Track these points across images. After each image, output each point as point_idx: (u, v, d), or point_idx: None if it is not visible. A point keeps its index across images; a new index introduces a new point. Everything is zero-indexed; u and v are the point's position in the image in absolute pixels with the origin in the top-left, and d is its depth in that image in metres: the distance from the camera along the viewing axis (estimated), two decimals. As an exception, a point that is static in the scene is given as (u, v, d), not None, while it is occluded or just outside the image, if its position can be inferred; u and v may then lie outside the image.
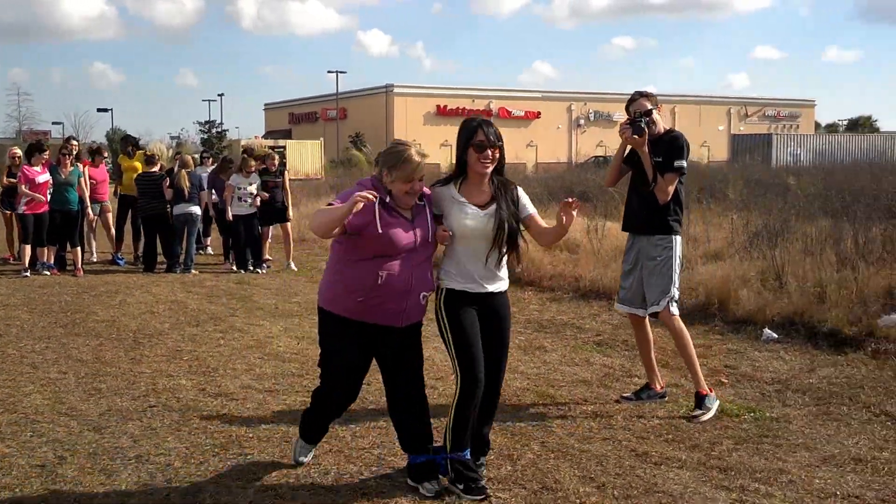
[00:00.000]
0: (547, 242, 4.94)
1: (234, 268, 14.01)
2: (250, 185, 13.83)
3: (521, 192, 4.63)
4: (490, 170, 4.45)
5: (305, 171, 51.37)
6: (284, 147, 52.02)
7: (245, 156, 14.56)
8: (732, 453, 5.14)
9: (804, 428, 5.63)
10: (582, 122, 78.22)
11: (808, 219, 13.33)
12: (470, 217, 4.43)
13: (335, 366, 4.55)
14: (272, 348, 8.07)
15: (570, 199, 4.30)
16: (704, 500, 4.43)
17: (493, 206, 4.44)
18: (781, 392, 6.47)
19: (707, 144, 67.22)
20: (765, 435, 5.48)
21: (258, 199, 13.81)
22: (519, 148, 56.91)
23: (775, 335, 8.10)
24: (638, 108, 5.98)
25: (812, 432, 5.54)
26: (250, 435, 5.50)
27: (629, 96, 6.15)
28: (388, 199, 4.32)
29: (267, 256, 14.44)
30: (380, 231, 4.21)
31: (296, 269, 14.02)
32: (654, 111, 5.99)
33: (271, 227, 14.49)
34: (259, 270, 13.80)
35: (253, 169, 14.04)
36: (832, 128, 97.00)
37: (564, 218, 4.30)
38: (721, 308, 8.97)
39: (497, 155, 4.44)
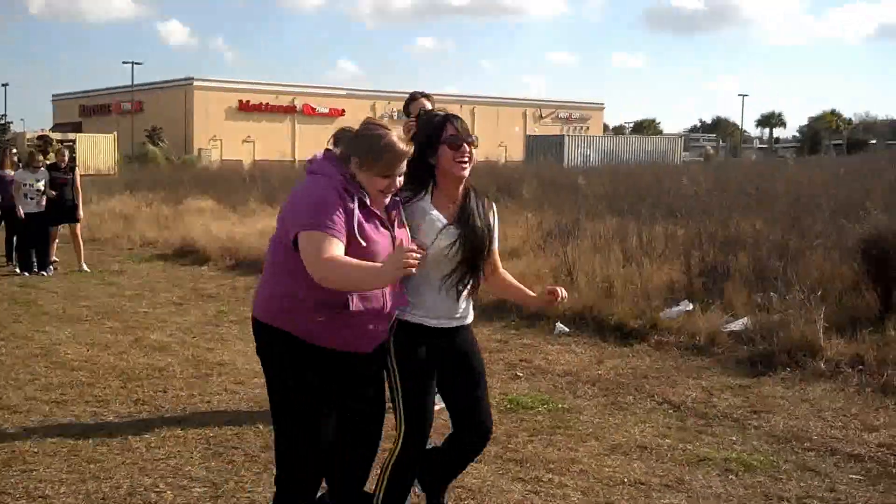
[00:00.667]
0: (498, 291, 4.20)
1: (18, 270, 13.15)
2: (38, 181, 12.99)
3: (495, 210, 3.82)
4: (468, 171, 3.57)
5: (97, 166, 48.86)
6: (74, 141, 49.23)
7: (32, 150, 13.67)
8: (527, 445, 5.34)
9: (594, 418, 5.91)
10: (386, 120, 78.57)
11: (597, 217, 14.00)
12: (444, 236, 3.52)
13: (301, 407, 3.35)
14: (59, 356, 7.62)
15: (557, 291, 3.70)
16: (501, 493, 4.58)
17: (467, 220, 3.59)
18: (573, 384, 6.77)
19: (504, 145, 69.29)
20: (558, 426, 5.72)
21: (45, 196, 13.00)
22: (322, 146, 56.18)
23: (567, 329, 8.47)
24: (418, 107, 6.04)
25: (601, 422, 5.83)
26: (35, 450, 5.17)
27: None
28: (366, 200, 3.34)
29: (54, 258, 13.62)
30: (363, 244, 3.24)
31: (88, 271, 13.32)
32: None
33: (59, 226, 13.68)
34: (45, 273, 13.01)
35: (41, 164, 13.22)
36: (619, 130, 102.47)
37: (549, 300, 3.75)
38: (517, 304, 9.27)
39: (473, 152, 3.62)
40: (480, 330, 8.46)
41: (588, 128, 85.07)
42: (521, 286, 4.01)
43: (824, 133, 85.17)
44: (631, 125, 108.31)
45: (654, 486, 4.69)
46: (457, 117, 3.63)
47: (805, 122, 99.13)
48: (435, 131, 3.58)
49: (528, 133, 68.55)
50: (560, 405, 6.18)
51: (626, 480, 4.77)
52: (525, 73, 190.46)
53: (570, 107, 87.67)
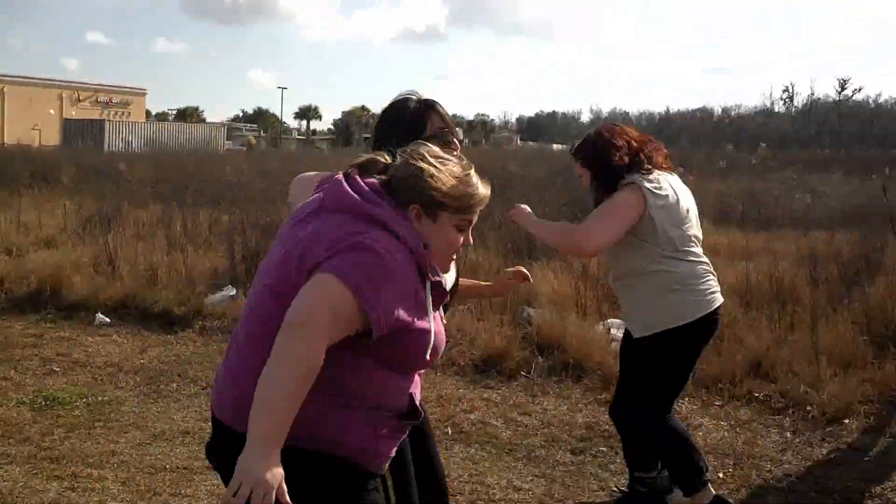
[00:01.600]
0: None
1: None
2: None
3: None
4: None
5: None
6: None
7: None
8: (64, 442, 5.08)
9: (135, 408, 5.79)
10: None
11: (140, 204, 13.61)
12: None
13: None
14: None
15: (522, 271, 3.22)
16: (35, 494, 4.33)
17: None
18: (114, 375, 6.55)
19: (38, 128, 64.16)
20: (97, 419, 5.51)
21: None
22: None
23: (108, 319, 8.16)
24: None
25: (143, 411, 5.72)
26: None
27: None
28: (441, 280, 2.24)
29: None
30: (432, 331, 2.18)
31: None
32: None
33: None
34: None
35: None
36: (162, 116, 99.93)
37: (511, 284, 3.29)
38: (54, 295, 8.72)
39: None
40: (13, 325, 7.86)
41: (130, 113, 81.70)
42: (473, 281, 3.41)
43: (355, 126, 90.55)
44: (174, 112, 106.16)
45: (196, 469, 4.72)
46: (437, 102, 2.81)
47: (339, 115, 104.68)
48: (415, 123, 2.74)
49: (64, 116, 64.14)
50: (100, 398, 5.96)
51: (168, 467, 4.76)
52: (62, 55, 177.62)
53: (110, 91, 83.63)
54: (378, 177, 2.24)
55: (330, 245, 2.06)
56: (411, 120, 2.71)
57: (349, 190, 2.16)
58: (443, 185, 2.17)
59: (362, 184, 2.19)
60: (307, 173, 2.82)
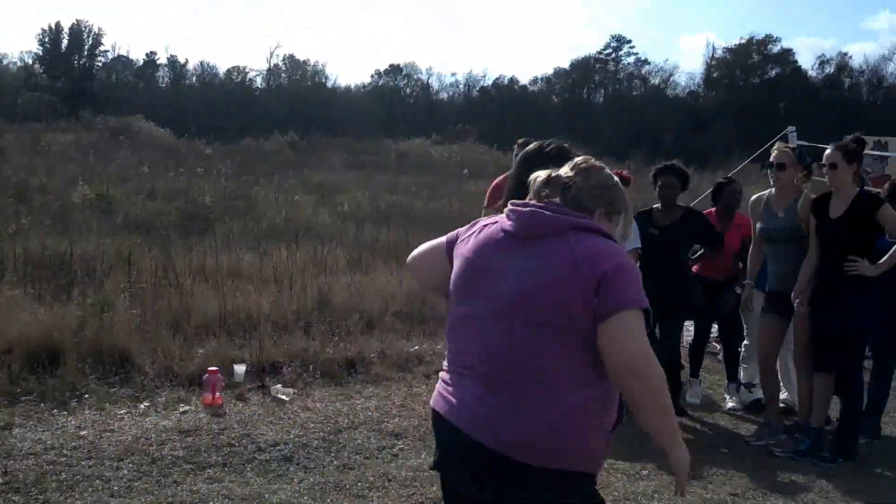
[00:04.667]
0: None
1: None
2: None
3: None
4: None
5: None
6: None
7: None
8: None
9: None
10: None
11: None
12: None
13: None
14: None
15: None
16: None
17: None
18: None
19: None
20: None
21: None
22: None
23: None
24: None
25: None
26: None
27: None
28: None
29: None
30: None
31: None
32: None
33: None
34: None
35: None
36: None
37: None
38: None
39: None
40: None
41: None
42: None
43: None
44: None
45: None
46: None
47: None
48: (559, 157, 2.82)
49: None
50: None
51: None
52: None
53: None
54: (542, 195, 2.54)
55: (601, 273, 2.30)
56: (556, 154, 2.82)
57: (553, 213, 2.44)
58: (620, 191, 2.58)
59: (553, 204, 2.47)
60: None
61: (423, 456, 5.32)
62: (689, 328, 7.65)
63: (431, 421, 2.57)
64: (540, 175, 2.54)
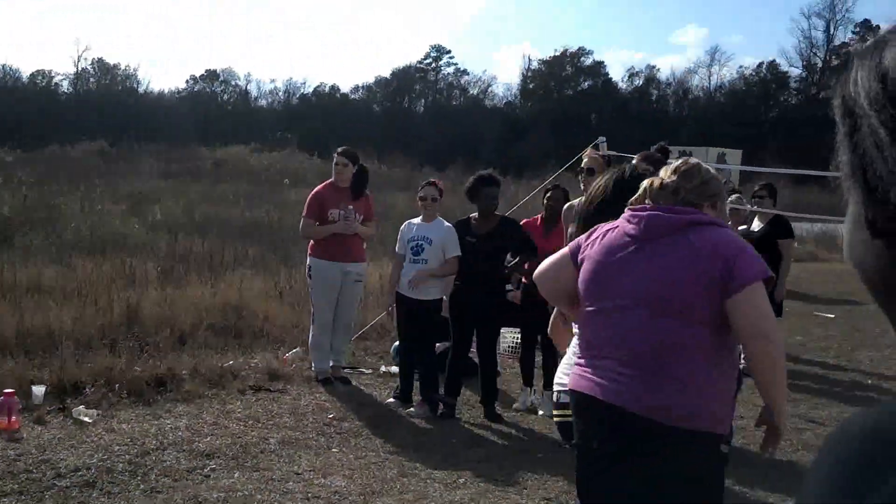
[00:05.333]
0: None
1: None
2: None
3: None
4: None
5: None
6: None
7: None
8: None
9: None
10: None
11: None
12: None
13: None
14: None
15: None
16: None
17: None
18: None
19: None
20: None
21: None
22: None
23: None
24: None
25: None
26: None
27: None
28: None
29: None
30: None
31: None
32: None
33: None
34: None
35: None
36: None
37: None
38: None
39: None
40: None
41: None
42: None
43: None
44: None
45: None
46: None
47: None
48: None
49: None
50: None
51: None
52: None
53: None
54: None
55: (723, 258, 2.70)
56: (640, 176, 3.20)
57: (671, 213, 2.81)
58: (717, 180, 3.01)
59: (667, 206, 2.84)
60: None
61: (235, 476, 5.13)
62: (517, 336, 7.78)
63: (573, 403, 2.94)
64: (653, 182, 2.92)
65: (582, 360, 2.91)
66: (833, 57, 59.63)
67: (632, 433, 2.71)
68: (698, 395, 2.71)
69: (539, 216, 7.36)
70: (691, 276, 2.70)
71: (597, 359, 2.83)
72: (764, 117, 61.16)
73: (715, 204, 2.96)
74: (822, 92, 58.76)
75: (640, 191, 2.94)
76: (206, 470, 5.26)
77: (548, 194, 7.35)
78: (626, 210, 2.91)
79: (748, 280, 2.66)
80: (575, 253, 2.99)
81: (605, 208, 3.13)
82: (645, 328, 2.73)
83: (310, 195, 7.57)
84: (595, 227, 2.98)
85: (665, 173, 2.93)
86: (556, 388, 3.49)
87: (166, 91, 71.94)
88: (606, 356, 2.80)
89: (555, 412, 3.60)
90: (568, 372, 3.15)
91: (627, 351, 2.75)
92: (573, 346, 3.31)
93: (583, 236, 3.01)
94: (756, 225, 8.63)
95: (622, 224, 2.88)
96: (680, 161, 3.02)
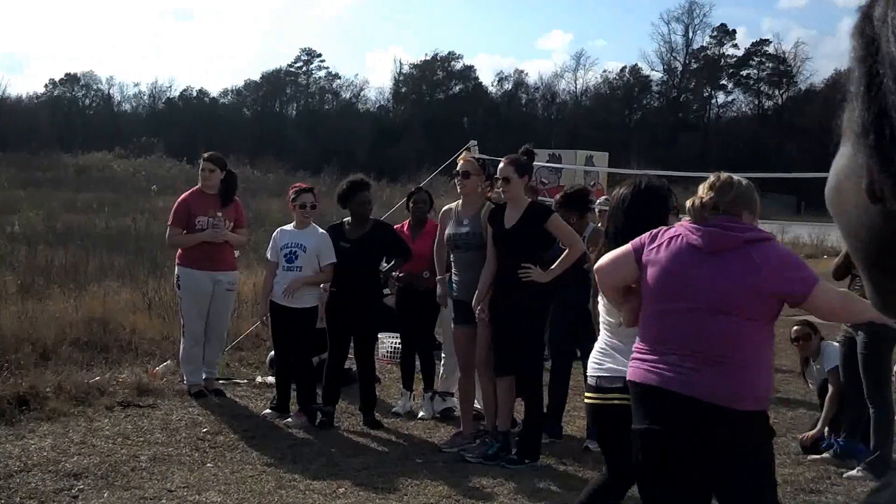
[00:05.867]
0: None
1: None
2: None
3: None
4: None
5: None
6: None
7: None
8: None
9: None
10: None
11: None
12: None
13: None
14: None
15: None
16: None
17: None
18: None
19: None
20: None
21: None
22: None
23: None
24: None
25: None
26: None
27: None
28: None
29: None
30: None
31: None
32: None
33: None
34: None
35: None
36: None
37: None
38: None
39: None
40: None
41: None
42: None
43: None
44: None
45: None
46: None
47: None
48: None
49: None
50: None
51: None
52: None
53: None
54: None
55: (783, 273, 3.20)
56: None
57: (729, 231, 3.19)
58: (751, 188, 3.39)
59: (726, 223, 3.22)
60: None
61: (104, 496, 4.93)
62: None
63: (637, 395, 3.29)
64: (694, 202, 3.27)
65: (648, 355, 3.28)
66: (692, 60, 62.17)
67: (703, 419, 3.12)
68: (755, 381, 3.22)
69: (406, 222, 7.36)
70: (751, 287, 3.15)
71: (662, 353, 3.23)
72: (628, 119, 63.20)
73: (753, 211, 3.36)
74: (682, 95, 61.32)
75: (687, 208, 3.34)
76: (73, 491, 5.03)
77: (412, 198, 7.37)
78: (684, 224, 3.32)
79: (810, 287, 3.16)
80: (639, 251, 3.32)
81: (637, 223, 3.58)
82: (712, 327, 3.16)
83: (176, 202, 7.36)
84: (657, 230, 3.36)
85: (703, 191, 3.31)
86: (590, 372, 3.85)
87: (24, 96, 68.83)
88: (674, 352, 3.20)
89: (587, 394, 3.92)
90: (602, 360, 3.76)
91: (697, 347, 3.18)
92: (604, 337, 3.82)
93: (646, 236, 3.35)
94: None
95: (685, 234, 3.25)
96: (713, 177, 3.37)
